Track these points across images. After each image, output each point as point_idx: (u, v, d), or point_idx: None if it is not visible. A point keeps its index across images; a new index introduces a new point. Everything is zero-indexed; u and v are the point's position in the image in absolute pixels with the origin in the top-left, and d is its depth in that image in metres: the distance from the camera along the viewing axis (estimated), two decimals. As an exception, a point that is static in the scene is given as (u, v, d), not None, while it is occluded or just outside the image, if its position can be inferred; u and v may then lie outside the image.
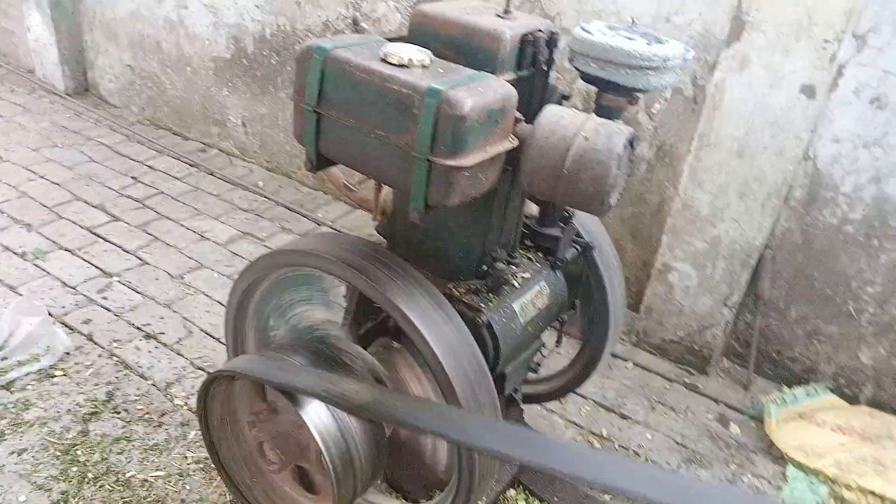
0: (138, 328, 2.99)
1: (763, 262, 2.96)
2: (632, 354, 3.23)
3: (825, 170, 2.77)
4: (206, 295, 3.25)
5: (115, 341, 2.89)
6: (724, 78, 2.69)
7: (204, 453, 2.34)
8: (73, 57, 5.20)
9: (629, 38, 1.68)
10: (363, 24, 1.94)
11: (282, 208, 4.11)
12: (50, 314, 2.93)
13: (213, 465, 2.05)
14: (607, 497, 2.40)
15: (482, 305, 1.82)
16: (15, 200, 3.82)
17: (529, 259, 2.06)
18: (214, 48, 4.45)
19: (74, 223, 3.69)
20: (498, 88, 1.51)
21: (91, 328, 2.95)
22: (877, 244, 2.75)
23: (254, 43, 4.25)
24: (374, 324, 1.95)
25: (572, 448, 1.65)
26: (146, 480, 2.30)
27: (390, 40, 1.65)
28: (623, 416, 2.87)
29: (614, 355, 3.18)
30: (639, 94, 1.77)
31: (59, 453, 2.35)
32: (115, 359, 2.80)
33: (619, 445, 2.72)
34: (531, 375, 2.27)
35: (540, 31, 1.69)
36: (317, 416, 1.66)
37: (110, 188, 4.07)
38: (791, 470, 2.66)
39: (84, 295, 3.15)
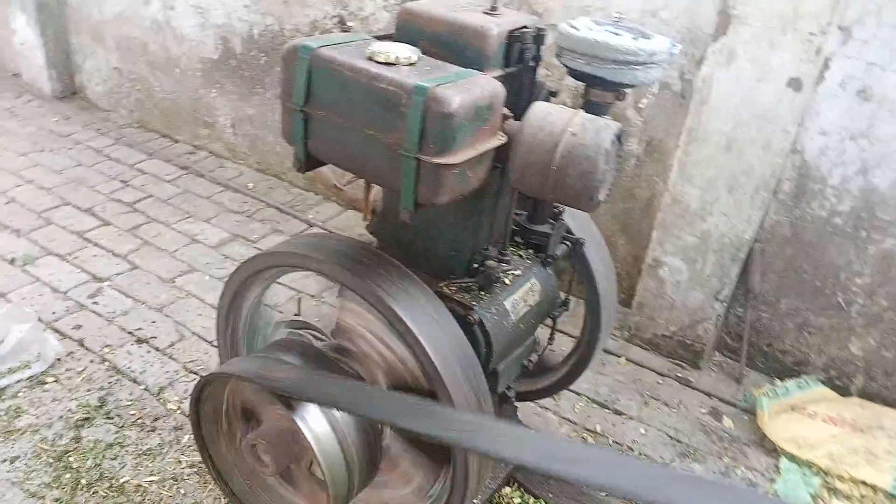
0: (130, 333, 2.97)
1: (753, 255, 2.97)
2: (624, 350, 3.24)
3: (813, 162, 2.78)
4: (198, 298, 3.24)
5: (106, 346, 2.88)
6: (711, 72, 2.70)
7: (198, 457, 2.33)
8: (59, 60, 5.16)
9: (615, 34, 1.69)
10: (350, 23, 1.93)
11: (273, 210, 4.10)
12: (40, 320, 2.91)
13: (206, 469, 2.05)
14: (603, 493, 2.41)
15: (474, 303, 1.82)
16: (3, 206, 3.79)
17: (520, 256, 2.06)
18: (202, 49, 4.43)
19: (64, 228, 3.66)
20: (485, 85, 1.51)
21: (82, 334, 2.93)
22: (865, 235, 2.77)
23: (242, 43, 4.23)
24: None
25: (560, 445, 1.65)
26: (140, 486, 2.29)
27: (377, 38, 1.65)
28: (617, 412, 2.87)
29: (607, 351, 3.19)
30: (626, 90, 1.78)
31: (51, 460, 2.34)
32: (106, 364, 2.78)
33: (613, 441, 2.73)
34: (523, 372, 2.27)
35: (527, 27, 1.69)
36: (310, 418, 1.66)
37: (100, 192, 4.05)
38: (784, 462, 2.67)
39: (74, 300, 3.13)
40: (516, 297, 1.93)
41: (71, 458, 2.35)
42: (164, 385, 2.71)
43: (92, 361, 2.79)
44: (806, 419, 2.80)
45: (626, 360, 3.18)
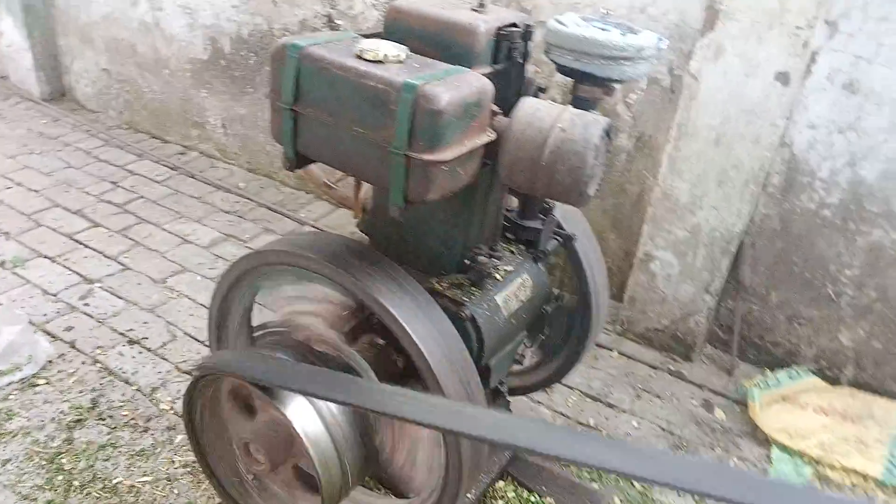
0: (121, 334, 2.96)
1: (743, 248, 3.00)
2: (616, 344, 3.26)
3: (801, 156, 2.80)
4: (190, 298, 3.24)
5: (98, 348, 2.87)
6: (699, 67, 2.71)
7: (191, 457, 2.33)
8: (47, 62, 5.13)
9: (603, 29, 1.70)
10: (338, 21, 1.94)
11: (264, 209, 4.09)
12: (31, 322, 2.89)
13: (200, 469, 2.05)
14: (595, 485, 2.42)
15: (465, 299, 1.83)
16: (-8, 209, 3.77)
17: (511, 252, 2.07)
18: (191, 49, 4.41)
19: (54, 230, 3.65)
20: (474, 82, 1.52)
21: (73, 335, 2.92)
22: (854, 227, 2.79)
23: (231, 43, 4.22)
24: (358, 321, 1.95)
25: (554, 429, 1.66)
26: (133, 486, 2.28)
27: (366, 37, 1.65)
28: (610, 405, 2.89)
29: (599, 345, 3.20)
30: (614, 85, 1.79)
31: (44, 462, 2.33)
32: (98, 365, 2.78)
33: (606, 434, 2.74)
34: (516, 367, 2.29)
35: (515, 24, 1.69)
36: (302, 414, 1.66)
37: (90, 194, 4.03)
38: (775, 452, 2.70)
39: (65, 302, 3.12)
40: (508, 293, 1.93)
41: (63, 460, 2.34)
42: (157, 385, 2.71)
43: (84, 363, 2.78)
44: (797, 409, 2.83)
45: (619, 353, 3.20)
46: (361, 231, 2.01)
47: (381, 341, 1.92)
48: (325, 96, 1.52)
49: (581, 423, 2.78)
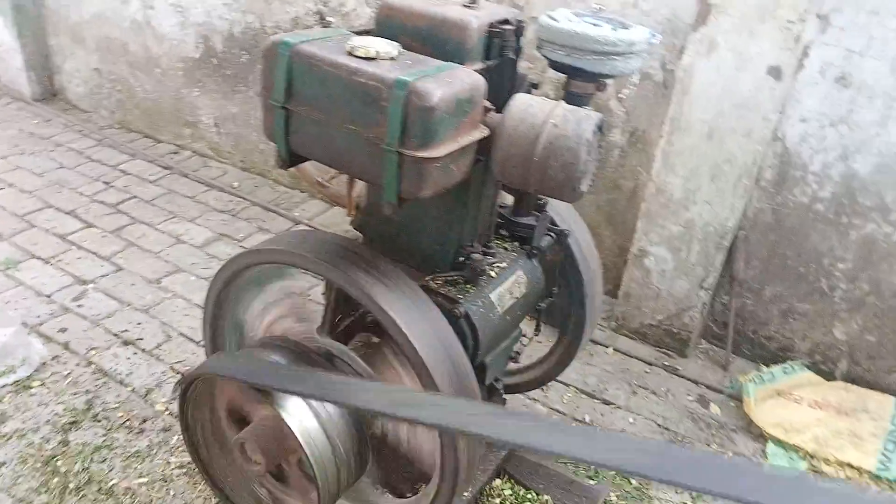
0: (116, 335, 2.95)
1: (737, 243, 3.00)
2: (611, 340, 3.26)
3: (794, 150, 2.81)
4: (184, 298, 3.22)
5: (92, 349, 2.86)
6: (692, 62, 2.71)
7: (187, 458, 2.32)
8: (38, 62, 5.10)
9: (595, 25, 1.70)
10: (330, 18, 1.93)
11: (258, 208, 4.08)
12: (24, 324, 2.88)
13: (196, 469, 2.04)
14: (591, 482, 2.43)
15: (459, 297, 1.82)
16: (-16, 210, 3.75)
17: (505, 249, 2.07)
18: (183, 48, 4.39)
19: (47, 231, 3.63)
20: (466, 78, 1.51)
21: (67, 337, 2.91)
22: (846, 221, 2.80)
23: (223, 41, 4.20)
24: (352, 319, 1.94)
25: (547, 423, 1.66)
26: (129, 488, 2.28)
27: (357, 34, 1.65)
28: (605, 402, 2.89)
29: (594, 342, 3.20)
30: (607, 80, 1.78)
31: (39, 465, 2.32)
32: (93, 367, 2.76)
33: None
34: (512, 365, 2.28)
35: (507, 20, 1.69)
36: (297, 414, 1.66)
37: (82, 194, 4.01)
38: (771, 447, 2.71)
39: (59, 303, 3.11)
40: (502, 290, 1.93)
41: (59, 463, 2.33)
42: (152, 386, 2.70)
43: (78, 364, 2.77)
44: (792, 404, 2.84)
45: (614, 349, 3.20)
46: (355, 229, 2.01)
47: (375, 340, 1.92)
48: (317, 94, 1.51)
49: (577, 420, 2.78)
